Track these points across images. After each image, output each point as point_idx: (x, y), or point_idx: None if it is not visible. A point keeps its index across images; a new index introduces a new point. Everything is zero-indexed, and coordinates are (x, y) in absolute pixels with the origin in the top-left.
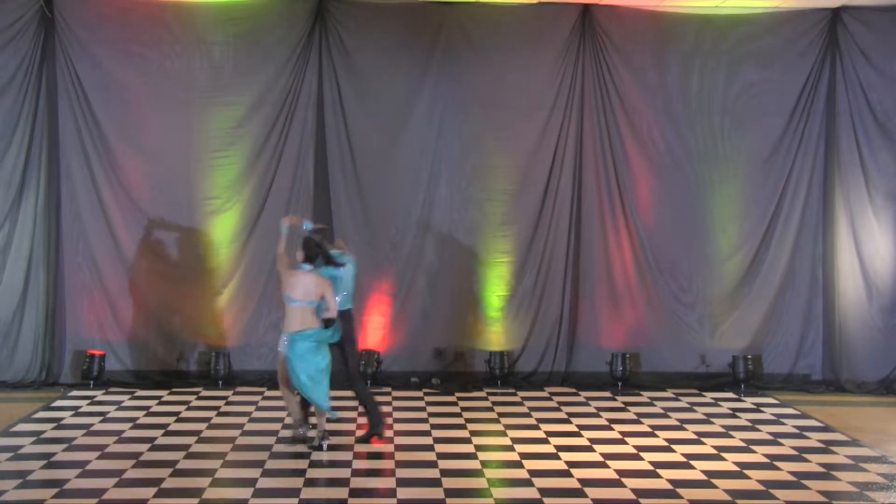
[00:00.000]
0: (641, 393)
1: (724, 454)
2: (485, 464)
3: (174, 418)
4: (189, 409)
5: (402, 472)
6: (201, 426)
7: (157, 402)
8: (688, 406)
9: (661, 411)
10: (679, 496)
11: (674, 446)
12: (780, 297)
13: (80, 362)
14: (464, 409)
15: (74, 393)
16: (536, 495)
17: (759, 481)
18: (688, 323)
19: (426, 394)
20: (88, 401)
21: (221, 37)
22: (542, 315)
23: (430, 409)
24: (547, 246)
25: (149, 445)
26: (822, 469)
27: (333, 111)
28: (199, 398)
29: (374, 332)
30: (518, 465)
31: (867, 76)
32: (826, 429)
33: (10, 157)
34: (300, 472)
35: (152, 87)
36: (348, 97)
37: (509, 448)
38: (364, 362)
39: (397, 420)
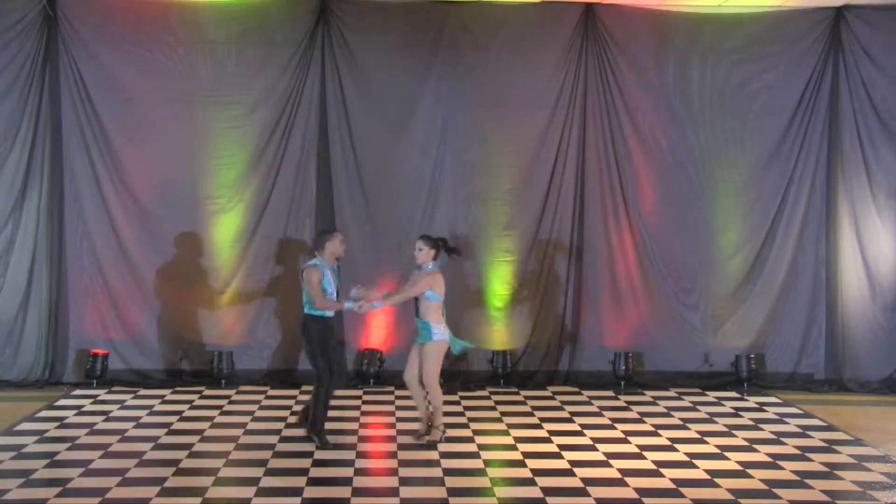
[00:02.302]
0: (644, 392)
1: (727, 453)
2: (487, 463)
3: (177, 417)
4: (192, 408)
5: (405, 471)
6: (204, 425)
7: (159, 401)
8: (691, 405)
9: (664, 410)
10: (682, 495)
11: (677, 445)
12: (782, 296)
13: (84, 361)
14: (466, 408)
15: (77, 392)
16: (539, 494)
17: (762, 480)
18: (691, 322)
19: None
20: (91, 400)
21: (224, 36)
22: (545, 314)
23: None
24: (550, 245)
25: (152, 444)
26: (825, 468)
27: (336, 110)
28: (202, 397)
29: (377, 332)
30: (521, 464)
31: (870, 75)
32: (829, 428)
33: (13, 156)
34: (303, 471)
35: (155, 85)
36: (351, 96)
37: (512, 447)
38: (367, 361)
39: (400, 419)
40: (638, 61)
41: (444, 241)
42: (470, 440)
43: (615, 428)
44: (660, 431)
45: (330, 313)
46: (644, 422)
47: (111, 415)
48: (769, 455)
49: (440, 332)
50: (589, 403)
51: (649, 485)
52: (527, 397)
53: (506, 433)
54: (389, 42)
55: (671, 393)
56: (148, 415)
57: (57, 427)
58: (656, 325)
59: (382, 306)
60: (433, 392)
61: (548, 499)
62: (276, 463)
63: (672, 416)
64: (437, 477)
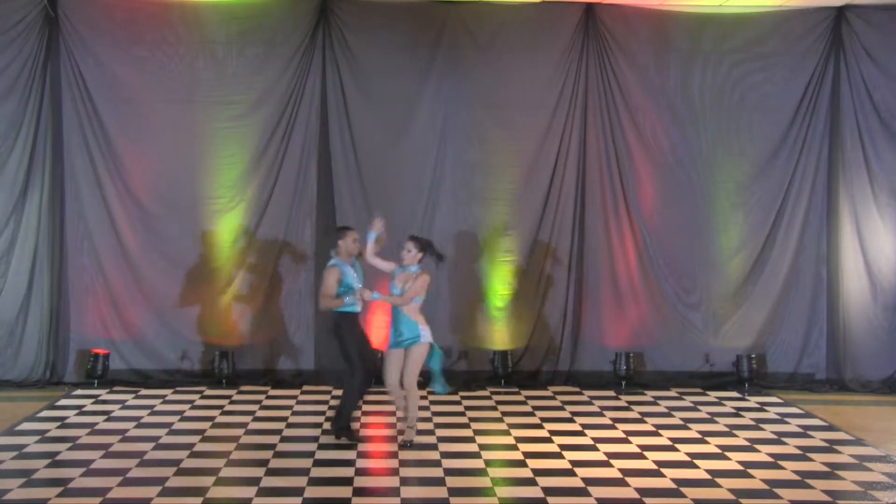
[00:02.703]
0: (645, 392)
1: (728, 453)
2: (488, 463)
3: (178, 417)
4: (193, 407)
5: (406, 471)
6: (205, 425)
7: (160, 401)
8: (692, 405)
9: (665, 410)
10: (683, 495)
11: (678, 445)
12: (783, 296)
13: (85, 361)
14: (467, 408)
15: (78, 392)
16: (540, 494)
17: (763, 480)
18: (692, 322)
19: (430, 393)
20: (92, 400)
21: (225, 36)
22: (546, 314)
23: (434, 408)
24: (550, 245)
25: (153, 444)
26: (826, 468)
27: (337, 110)
28: (203, 397)
29: (378, 332)
30: (522, 464)
31: (871, 75)
32: (830, 428)
33: (14, 156)
34: (304, 471)
35: (156, 86)
36: (352, 96)
37: (513, 447)
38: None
39: (401, 419)
40: (638, 61)
41: (431, 244)
42: (471, 440)
43: (616, 428)
44: (661, 431)
45: (358, 308)
46: (645, 422)
47: (112, 415)
48: (770, 455)
49: (428, 332)
50: (590, 403)
51: (650, 485)
52: (528, 397)
53: (507, 433)
54: (390, 42)
55: (672, 393)
56: (149, 415)
57: (58, 427)
58: (657, 324)
59: (381, 300)
60: (414, 392)
61: (549, 499)
62: (277, 463)
63: (673, 415)
64: (438, 477)
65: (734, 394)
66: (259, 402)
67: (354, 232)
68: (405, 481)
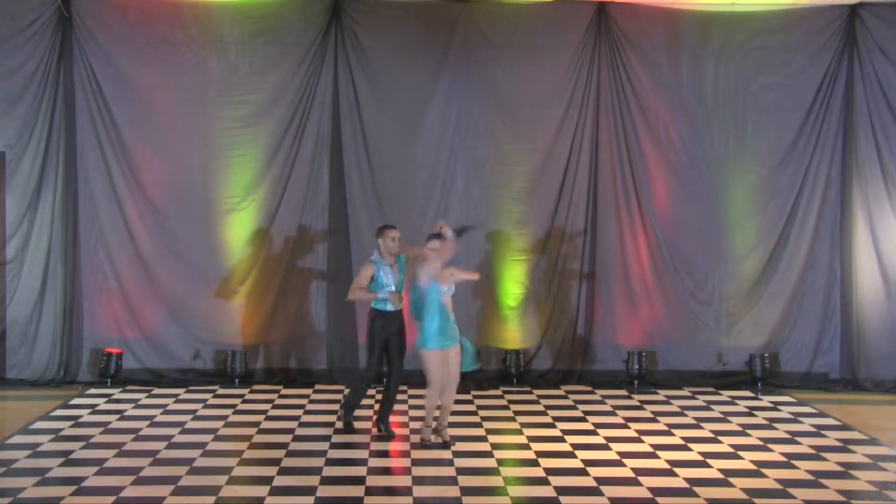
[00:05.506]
0: (658, 391)
1: (741, 453)
2: (501, 462)
3: (191, 416)
4: (205, 407)
5: (418, 471)
6: (218, 424)
7: (173, 400)
8: (704, 404)
9: (678, 409)
10: (696, 495)
11: (690, 445)
12: (797, 295)
13: (98, 360)
14: (479, 407)
15: (92, 391)
16: (552, 494)
17: (777, 480)
18: (704, 321)
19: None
20: (106, 399)
21: (237, 35)
22: (558, 313)
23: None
24: (563, 244)
25: (166, 443)
26: (840, 468)
27: (349, 109)
28: (216, 396)
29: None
30: (534, 463)
31: (885, 73)
32: (844, 427)
33: (28, 155)
34: (317, 470)
35: (169, 85)
36: (364, 95)
37: (525, 446)
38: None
39: (413, 419)
40: (651, 60)
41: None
42: (483, 439)
43: (629, 427)
44: (673, 431)
45: (390, 307)
46: (658, 421)
47: (125, 414)
48: (784, 454)
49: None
50: (602, 402)
51: (663, 484)
52: (540, 396)
53: (519, 432)
54: (402, 41)
55: (685, 392)
56: (162, 414)
57: (71, 426)
58: (670, 323)
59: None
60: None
61: (561, 498)
62: (289, 462)
63: (686, 415)
64: (451, 476)
65: (747, 393)
66: (272, 401)
67: (394, 231)
68: (418, 480)
